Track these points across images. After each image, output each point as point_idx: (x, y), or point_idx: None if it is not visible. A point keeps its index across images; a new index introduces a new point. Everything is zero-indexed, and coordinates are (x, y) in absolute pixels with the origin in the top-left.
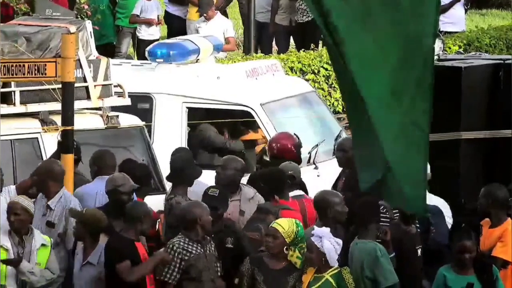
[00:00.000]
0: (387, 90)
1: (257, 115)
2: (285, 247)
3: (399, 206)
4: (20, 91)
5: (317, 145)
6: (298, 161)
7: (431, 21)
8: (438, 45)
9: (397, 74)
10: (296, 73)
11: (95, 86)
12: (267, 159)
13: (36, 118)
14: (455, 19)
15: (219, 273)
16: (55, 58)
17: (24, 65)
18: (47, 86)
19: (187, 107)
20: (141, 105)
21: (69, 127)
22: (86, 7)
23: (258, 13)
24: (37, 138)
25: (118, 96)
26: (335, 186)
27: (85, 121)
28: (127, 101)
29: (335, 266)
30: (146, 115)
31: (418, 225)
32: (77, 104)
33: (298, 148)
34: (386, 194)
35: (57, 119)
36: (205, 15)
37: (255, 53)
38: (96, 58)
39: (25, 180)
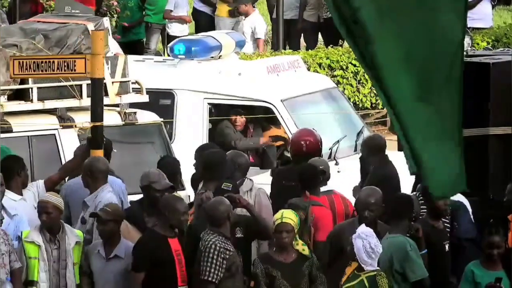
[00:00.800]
0: (416, 87)
1: (278, 111)
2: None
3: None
4: (38, 88)
5: (338, 141)
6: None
7: (460, 16)
8: (466, 41)
9: (425, 71)
10: (324, 69)
11: (112, 83)
12: (288, 155)
13: (54, 114)
14: (482, 15)
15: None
16: (84, 55)
17: (53, 62)
18: (65, 83)
19: (208, 103)
20: (163, 101)
21: (99, 123)
22: (115, 3)
23: (286, 9)
24: (54, 134)
25: (136, 93)
26: (362, 182)
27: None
28: (145, 98)
29: (368, 265)
30: (168, 111)
31: (445, 220)
32: None
33: (321, 144)
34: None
35: (75, 116)
36: (240, 10)
37: (284, 50)
38: (114, 55)
39: (54, 174)
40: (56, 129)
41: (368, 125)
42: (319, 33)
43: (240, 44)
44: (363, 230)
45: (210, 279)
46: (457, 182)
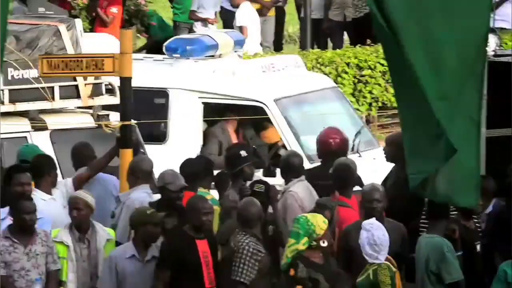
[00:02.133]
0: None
1: (270, 110)
2: None
3: (447, 201)
4: (9, 90)
5: (359, 132)
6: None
7: (484, 15)
8: (494, 40)
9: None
10: (352, 68)
11: (85, 85)
12: (281, 153)
13: (25, 117)
14: (506, 17)
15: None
16: (113, 54)
17: (82, 60)
18: (36, 85)
19: (202, 103)
20: (157, 100)
21: (128, 122)
22: (142, 2)
23: (314, 9)
24: (26, 137)
25: (110, 95)
26: (385, 181)
27: (75, 120)
28: (117, 100)
29: (372, 258)
30: (162, 110)
31: (476, 221)
32: (67, 103)
33: (348, 142)
34: (431, 191)
35: (47, 118)
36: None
37: (312, 49)
38: None
39: (82, 173)
40: (28, 131)
41: (396, 124)
42: (345, 33)
43: (239, 43)
44: (370, 221)
45: (242, 280)
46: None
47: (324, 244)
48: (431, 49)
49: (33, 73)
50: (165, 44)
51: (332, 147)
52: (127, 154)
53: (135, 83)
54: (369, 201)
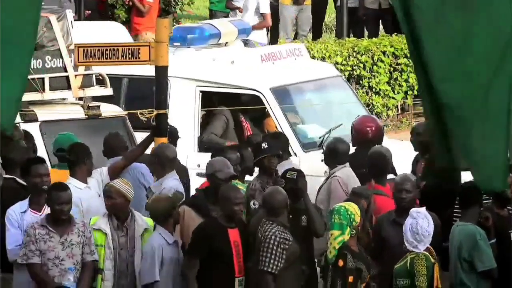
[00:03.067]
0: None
1: (266, 99)
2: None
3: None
4: None
5: (330, 130)
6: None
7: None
8: None
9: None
10: (388, 57)
11: (76, 76)
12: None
13: None
14: None
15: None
16: (148, 42)
17: (118, 49)
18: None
19: (200, 91)
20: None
21: (163, 111)
22: None
23: None
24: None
25: (100, 86)
26: (413, 170)
27: (66, 111)
28: (109, 91)
29: (412, 246)
30: None
31: (510, 208)
32: (58, 94)
33: (384, 130)
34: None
35: (37, 109)
36: None
37: (348, 38)
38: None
39: (118, 161)
40: (18, 122)
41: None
42: (380, 22)
43: (245, 32)
44: (418, 209)
45: (269, 270)
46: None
47: (358, 231)
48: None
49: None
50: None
51: (369, 135)
52: (164, 143)
53: (136, 71)
54: (399, 191)
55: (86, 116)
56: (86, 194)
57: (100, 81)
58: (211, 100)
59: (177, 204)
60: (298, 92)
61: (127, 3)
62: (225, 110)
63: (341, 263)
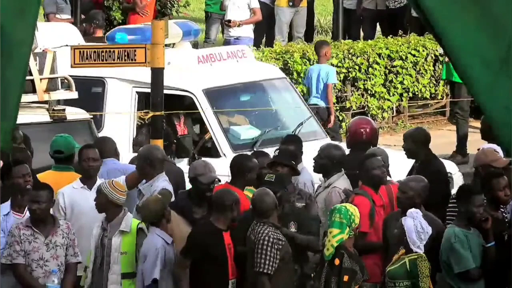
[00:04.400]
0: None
1: (198, 100)
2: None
3: None
4: None
5: (264, 132)
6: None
7: None
8: None
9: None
10: (384, 59)
11: (41, 79)
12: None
13: None
14: None
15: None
16: (144, 44)
17: (114, 51)
18: None
19: (136, 92)
20: (95, 89)
21: (159, 113)
22: None
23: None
24: None
25: (65, 90)
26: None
27: (31, 114)
28: (74, 95)
29: (415, 247)
30: (99, 99)
31: (503, 210)
32: (24, 98)
33: (378, 132)
34: None
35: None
36: None
37: (343, 39)
38: (43, 51)
39: (134, 171)
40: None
41: (427, 115)
42: (378, 23)
43: (190, 33)
44: (415, 210)
45: (265, 271)
46: None
47: (356, 234)
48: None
49: None
50: (107, 34)
51: (363, 136)
52: (158, 144)
53: (76, 72)
54: (403, 192)
55: (52, 120)
56: (80, 194)
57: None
58: (148, 101)
59: (167, 203)
60: (234, 94)
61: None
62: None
63: (337, 261)
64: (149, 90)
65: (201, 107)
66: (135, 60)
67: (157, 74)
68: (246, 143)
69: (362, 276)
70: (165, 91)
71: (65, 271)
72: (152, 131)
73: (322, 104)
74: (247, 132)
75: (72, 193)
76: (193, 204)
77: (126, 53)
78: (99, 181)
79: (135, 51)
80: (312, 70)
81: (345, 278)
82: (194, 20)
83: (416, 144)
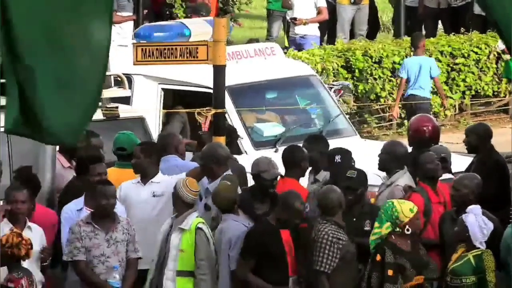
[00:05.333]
0: None
1: None
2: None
3: None
4: None
5: (288, 129)
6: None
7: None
8: None
9: None
10: (446, 56)
11: None
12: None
13: None
14: None
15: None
16: (206, 42)
17: (176, 49)
18: None
19: (162, 89)
20: (122, 86)
21: (221, 110)
22: None
23: None
24: None
25: (118, 87)
26: (467, 171)
27: None
28: (127, 92)
29: (478, 242)
30: (126, 96)
31: None
32: None
33: (440, 130)
34: None
35: None
36: None
37: (405, 37)
38: None
39: (196, 167)
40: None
41: (489, 113)
42: (439, 21)
43: None
44: (476, 206)
45: (322, 269)
46: None
47: (407, 231)
48: None
49: None
50: (135, 31)
51: (426, 134)
52: (220, 142)
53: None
54: (456, 190)
55: (104, 117)
56: (134, 189)
57: (118, 82)
58: (172, 98)
59: (237, 188)
60: (259, 91)
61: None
62: (181, 108)
63: (378, 257)
64: (174, 87)
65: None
66: (197, 57)
67: (219, 71)
68: (268, 141)
69: (415, 273)
70: (189, 88)
71: (126, 267)
72: (214, 128)
73: (424, 95)
74: (271, 129)
75: (128, 188)
76: (255, 200)
77: (188, 51)
78: (156, 178)
79: (197, 48)
80: (410, 63)
81: (389, 272)
82: (256, 17)
83: (479, 139)
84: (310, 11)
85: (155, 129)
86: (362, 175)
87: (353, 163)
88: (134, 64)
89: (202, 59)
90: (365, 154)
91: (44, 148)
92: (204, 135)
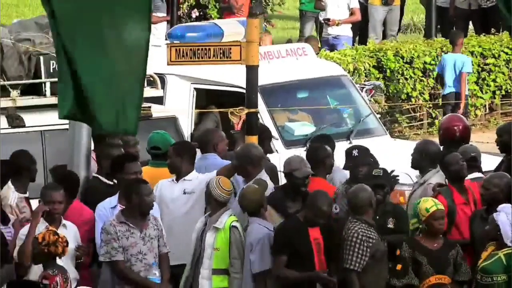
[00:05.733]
0: None
1: None
2: None
3: None
4: (51, 82)
5: (319, 128)
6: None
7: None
8: None
9: None
10: (476, 57)
11: None
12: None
13: None
14: None
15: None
16: (239, 42)
17: (209, 49)
18: None
19: (195, 88)
20: (155, 85)
21: (254, 110)
22: None
23: None
24: (67, 129)
25: (151, 87)
26: (497, 171)
27: None
28: (159, 92)
29: (509, 241)
30: (159, 95)
31: None
32: None
33: (471, 129)
34: None
35: None
36: None
37: (436, 37)
38: None
39: (227, 165)
40: (69, 123)
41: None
42: (470, 22)
43: None
44: (507, 205)
45: (352, 267)
46: None
47: (425, 229)
48: None
49: None
50: (167, 31)
51: (456, 133)
52: (253, 141)
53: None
54: (486, 189)
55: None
56: (168, 187)
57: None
58: (205, 98)
59: (264, 192)
60: (289, 91)
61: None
62: (214, 108)
63: (398, 251)
64: (206, 87)
65: None
66: (230, 58)
67: (252, 71)
68: (299, 139)
69: (433, 271)
70: (220, 87)
71: (160, 262)
72: (247, 127)
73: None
74: (301, 128)
75: (164, 186)
76: (287, 199)
77: (221, 51)
78: (189, 175)
79: (230, 49)
80: (447, 59)
81: (398, 267)
82: (288, 18)
83: (509, 138)
84: (343, 12)
85: (187, 128)
86: (386, 173)
87: (371, 159)
88: (168, 65)
89: (235, 59)
90: (395, 153)
91: (79, 147)
92: (236, 134)
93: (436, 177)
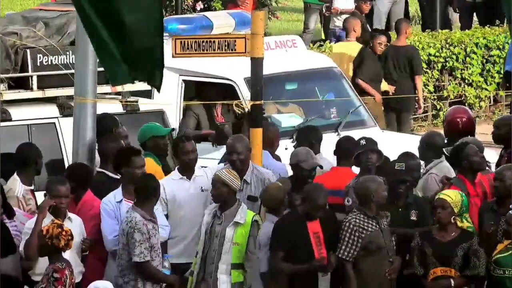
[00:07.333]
0: None
1: (239, 88)
2: (453, 217)
3: None
4: (38, 76)
5: (306, 120)
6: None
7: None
8: None
9: None
10: (481, 49)
11: None
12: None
13: (54, 103)
14: None
15: (394, 248)
16: (244, 34)
17: (214, 41)
18: (65, 71)
19: (183, 81)
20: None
21: (258, 102)
22: None
23: None
24: (54, 123)
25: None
26: (497, 164)
27: (104, 105)
28: (147, 86)
29: None
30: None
31: None
32: (97, 89)
33: (475, 122)
34: None
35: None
36: None
37: (441, 30)
38: None
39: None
40: (56, 117)
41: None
42: (474, 13)
43: (245, 23)
44: None
45: (343, 257)
46: None
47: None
48: None
49: (62, 59)
50: None
51: (459, 125)
52: (258, 133)
53: None
54: (501, 181)
55: (125, 110)
56: (180, 185)
57: None
58: (192, 90)
59: (287, 191)
60: (277, 83)
61: None
62: (194, 104)
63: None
64: (195, 79)
65: (241, 95)
66: (235, 50)
67: (257, 64)
68: (285, 131)
69: (438, 263)
70: (207, 79)
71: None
72: (251, 120)
73: None
74: (289, 120)
75: (172, 185)
76: (293, 191)
77: (226, 43)
78: (197, 172)
79: (235, 41)
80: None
81: (407, 256)
82: (293, 10)
83: (506, 131)
84: (348, 3)
85: (176, 121)
86: (410, 167)
87: (376, 147)
88: (173, 57)
89: (240, 51)
90: (384, 144)
91: (84, 141)
92: (221, 126)
93: (438, 167)
